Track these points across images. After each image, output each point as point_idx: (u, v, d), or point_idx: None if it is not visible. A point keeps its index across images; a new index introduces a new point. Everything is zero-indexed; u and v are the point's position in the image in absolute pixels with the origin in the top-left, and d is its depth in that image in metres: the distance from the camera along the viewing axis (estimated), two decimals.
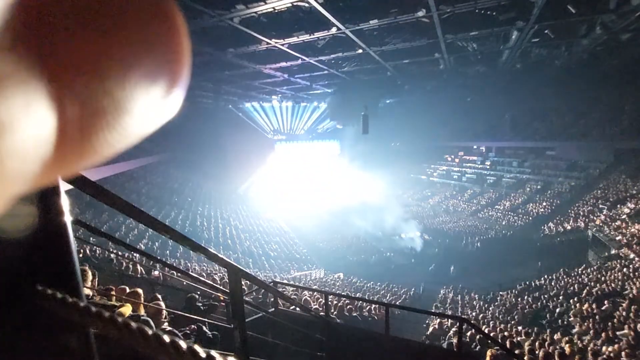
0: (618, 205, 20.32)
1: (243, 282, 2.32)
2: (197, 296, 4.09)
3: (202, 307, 4.12)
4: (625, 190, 21.59)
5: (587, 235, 19.16)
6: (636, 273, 12.45)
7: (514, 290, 14.55)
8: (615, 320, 8.68)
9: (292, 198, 38.65)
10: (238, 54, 15.53)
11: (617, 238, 16.98)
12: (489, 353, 4.70)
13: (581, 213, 21.78)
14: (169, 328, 2.70)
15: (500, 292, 14.53)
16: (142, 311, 2.73)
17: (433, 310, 12.53)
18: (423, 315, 10.38)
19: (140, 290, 3.02)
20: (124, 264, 7.36)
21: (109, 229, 13.06)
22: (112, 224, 13.78)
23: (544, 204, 25.72)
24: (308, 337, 3.41)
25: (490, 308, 12.37)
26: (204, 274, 9.16)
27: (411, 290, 15.50)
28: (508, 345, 6.46)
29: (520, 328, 9.08)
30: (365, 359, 3.65)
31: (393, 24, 12.92)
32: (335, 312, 7.08)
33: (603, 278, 12.91)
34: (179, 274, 5.58)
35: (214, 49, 14.66)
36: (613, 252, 16.13)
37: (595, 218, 20.21)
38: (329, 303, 6.60)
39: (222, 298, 4.19)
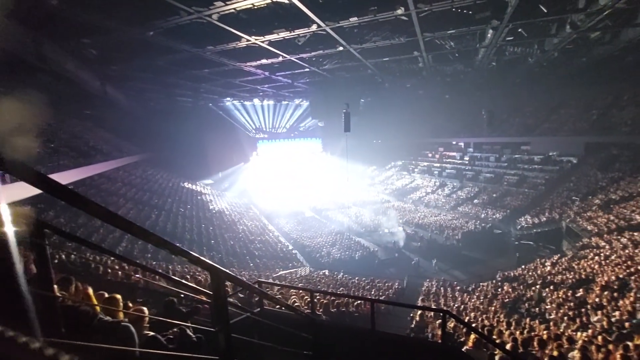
0: (589, 197, 21.33)
1: (228, 283, 2.28)
2: (175, 300, 3.98)
3: (183, 310, 4.03)
4: (595, 182, 22.68)
5: (561, 226, 20.01)
6: (607, 260, 13.12)
7: (493, 281, 15.04)
8: (588, 306, 9.12)
9: (275, 196, 38.45)
10: (217, 52, 15.26)
11: (589, 228, 17.83)
12: (472, 337, 4.84)
13: (555, 205, 22.72)
14: (151, 334, 2.62)
15: (481, 283, 14.97)
16: (121, 317, 2.63)
17: (417, 304, 12.79)
18: (408, 309, 10.57)
19: (118, 296, 2.91)
20: (102, 268, 7.11)
21: (86, 233, 12.57)
22: (89, 227, 13.27)
23: (521, 197, 26.67)
24: (294, 336, 3.39)
25: (471, 299, 12.73)
26: (188, 276, 8.96)
27: (395, 284, 15.74)
28: (488, 334, 6.67)
29: (501, 317, 9.39)
30: (351, 355, 3.67)
31: (373, 21, 13.01)
32: (321, 310, 7.10)
33: (577, 266, 13.52)
34: (160, 278, 5.44)
35: (192, 47, 14.35)
36: (585, 241, 16.93)
37: (568, 209, 21.13)
38: (315, 300, 6.61)
39: (205, 300, 4.11)
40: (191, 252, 1.67)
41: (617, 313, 7.93)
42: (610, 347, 5.40)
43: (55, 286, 2.17)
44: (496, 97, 33.85)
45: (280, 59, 17.12)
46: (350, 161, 29.98)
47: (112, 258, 8.28)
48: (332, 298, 8.07)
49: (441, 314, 4.04)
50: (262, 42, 14.07)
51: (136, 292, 5.03)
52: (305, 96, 35.44)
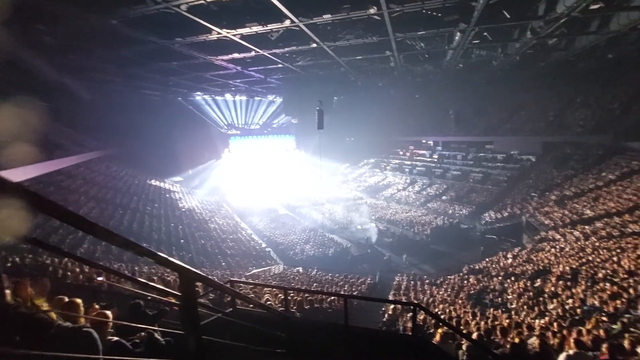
0: (546, 193, 22.81)
1: (198, 284, 2.19)
2: (142, 302, 3.82)
3: (150, 313, 3.87)
4: (552, 179, 24.29)
5: (521, 220, 21.27)
6: (562, 252, 14.12)
7: (460, 274, 15.73)
8: (545, 295, 9.77)
9: (248, 194, 37.87)
10: (187, 44, 14.71)
11: (546, 222, 19.09)
12: (439, 331, 5.03)
13: (516, 201, 24.10)
14: (115, 339, 2.49)
15: (449, 276, 15.61)
16: (82, 323, 2.48)
17: (389, 298, 13.14)
18: (380, 303, 10.82)
19: (79, 300, 2.74)
20: (61, 271, 6.67)
21: (43, 234, 11.71)
22: (46, 227, 12.38)
23: (485, 193, 28.05)
24: (268, 335, 3.36)
25: (440, 292, 13.25)
26: (155, 277, 8.61)
27: (368, 279, 16.05)
28: (456, 325, 6.98)
29: (467, 308, 9.84)
30: (325, 351, 3.69)
31: (346, 19, 13.09)
32: (295, 307, 7.10)
33: (535, 258, 14.44)
34: (126, 280, 5.19)
35: (159, 38, 13.73)
36: (543, 234, 18.11)
37: (528, 205, 22.49)
38: (288, 298, 6.59)
39: (174, 302, 3.96)
40: (158, 253, 1.60)
41: (570, 301, 8.56)
42: (565, 332, 5.82)
43: (8, 292, 2.01)
44: (463, 98, 35.27)
45: (253, 53, 16.80)
46: (324, 158, 30.12)
47: (73, 260, 7.80)
48: (306, 295, 8.09)
49: (412, 307, 4.16)
50: (234, 35, 13.73)
51: (99, 295, 4.76)
52: (279, 92, 35.09)
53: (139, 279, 2.85)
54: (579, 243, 14.83)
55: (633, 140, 21.86)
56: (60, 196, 16.45)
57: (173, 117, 34.60)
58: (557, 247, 15.13)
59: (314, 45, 15.81)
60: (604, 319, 6.83)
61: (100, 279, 5.90)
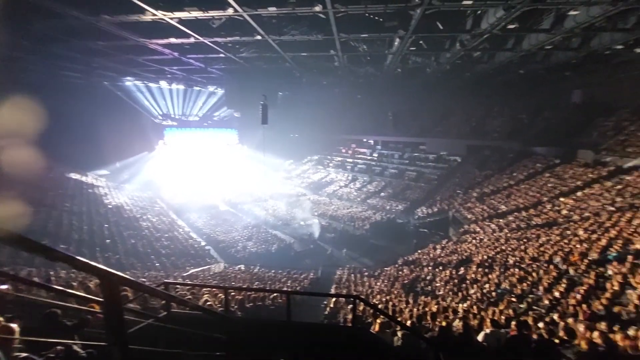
0: (469, 190, 25.41)
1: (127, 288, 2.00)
2: (59, 312, 3.38)
3: (68, 324, 3.44)
4: (474, 178, 27.14)
5: (449, 215, 23.41)
6: (481, 243, 15.89)
7: (395, 265, 16.81)
8: (467, 281, 10.92)
9: (186, 189, 35.65)
10: (116, 23, 13.25)
11: (469, 216, 21.28)
12: (378, 321, 5.32)
13: (444, 197, 26.46)
14: (23, 355, 2.16)
15: (385, 268, 16.58)
16: None
17: (331, 292, 13.50)
18: (322, 297, 11.05)
19: None
20: None
21: None
22: None
23: (418, 190, 30.29)
24: (206, 338, 3.21)
25: (378, 283, 14.01)
26: (75, 283, 7.66)
27: (311, 274, 16.28)
28: (392, 313, 7.44)
29: (401, 297, 10.56)
30: (267, 349, 3.65)
31: (292, 14, 12.99)
32: (236, 306, 6.89)
33: (459, 249, 16.03)
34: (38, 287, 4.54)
35: (82, 13, 12.14)
36: (466, 227, 20.17)
37: (454, 201, 24.83)
38: (229, 297, 6.37)
39: (97, 309, 3.57)
40: (76, 257, 1.43)
41: (487, 285, 9.69)
42: (483, 313, 6.57)
43: None
44: (400, 101, 37.50)
45: (192, 40, 15.78)
46: (268, 154, 29.68)
47: None
48: (248, 293, 7.92)
49: (352, 300, 4.32)
50: (171, 19, 12.75)
51: (3, 306, 4.08)
52: (220, 84, 33.51)
53: (55, 286, 2.51)
54: (494, 234, 16.83)
55: (537, 146, 25.47)
56: None
57: (98, 103, 30.87)
58: (477, 238, 17.00)
59: (259, 37, 15.41)
60: (513, 299, 7.87)
61: (3, 287, 5.07)
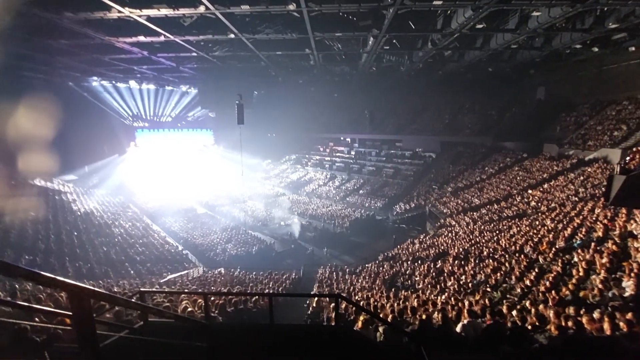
0: (444, 185, 26.18)
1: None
2: (28, 327, 3.18)
3: (37, 340, 3.24)
4: (448, 173, 27.97)
5: (425, 210, 24.02)
6: (456, 236, 16.42)
7: (376, 262, 17.06)
8: (445, 274, 11.25)
9: (160, 193, 34.51)
10: (80, 21, 12.62)
11: (444, 210, 21.93)
12: (360, 318, 5.37)
13: (421, 193, 27.11)
14: None
15: (366, 265, 16.80)
16: None
17: (313, 291, 13.51)
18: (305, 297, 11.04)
19: None
20: None
21: None
22: None
23: (396, 187, 30.86)
24: (186, 347, 3.11)
25: (359, 280, 14.17)
26: (42, 295, 7.23)
27: (292, 274, 16.22)
28: (374, 309, 7.55)
29: (382, 292, 10.72)
30: (250, 354, 3.59)
31: (265, 13, 12.88)
32: (217, 311, 6.75)
33: (436, 243, 16.49)
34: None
35: (43, 10, 11.45)
36: (442, 221, 20.77)
37: (430, 196, 25.51)
38: (209, 303, 6.23)
39: (68, 322, 3.39)
40: (41, 273, 1.36)
41: (463, 277, 10.02)
42: (460, 304, 6.79)
43: None
44: (376, 99, 38.03)
45: (162, 38, 15.28)
46: (245, 155, 29.24)
47: None
48: (229, 297, 7.77)
49: (334, 298, 4.34)
50: (139, 16, 12.29)
51: None
52: (193, 83, 32.69)
53: (20, 302, 2.36)
54: (469, 227, 17.44)
55: (507, 141, 26.61)
56: None
57: (62, 105, 29.21)
58: (453, 231, 17.55)
59: (232, 36, 15.15)
60: (488, 289, 8.18)
61: None
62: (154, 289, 9.42)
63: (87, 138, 30.47)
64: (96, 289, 1.89)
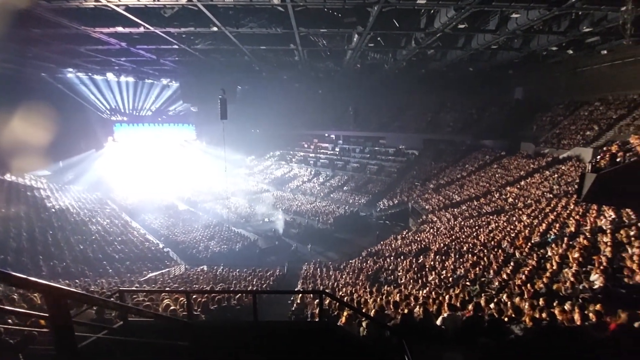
0: (426, 182, 26.68)
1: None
2: (1, 329, 3.05)
3: (11, 342, 3.12)
4: (430, 170, 28.51)
5: (408, 206, 24.42)
6: (438, 231, 16.80)
7: (360, 257, 17.24)
8: (426, 269, 11.51)
9: (140, 189, 33.58)
10: (54, 9, 12.04)
11: (426, 207, 22.37)
12: (344, 314, 5.44)
13: (404, 189, 27.54)
14: None
15: (350, 261, 16.95)
16: None
17: (297, 287, 13.54)
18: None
19: None
20: None
21: None
22: None
23: (380, 183, 31.22)
24: (168, 347, 3.06)
25: (343, 276, 14.30)
26: (15, 295, 6.93)
27: (277, 271, 16.19)
28: (357, 305, 7.65)
29: (366, 287, 10.87)
30: (234, 353, 3.56)
31: (250, 6, 12.69)
32: (199, 309, 6.67)
33: (419, 238, 16.83)
34: None
35: None
36: (424, 218, 21.19)
37: (413, 193, 25.95)
38: (192, 301, 6.14)
39: (44, 324, 3.27)
40: (12, 274, 1.31)
41: (444, 272, 10.29)
42: (441, 298, 6.97)
43: None
44: (360, 96, 38.22)
45: (142, 29, 14.79)
46: (228, 150, 28.82)
47: None
48: (213, 294, 7.69)
49: (318, 295, 4.37)
50: (117, 5, 11.85)
51: None
52: (175, 76, 31.87)
53: None
54: (450, 223, 17.88)
55: (486, 139, 27.34)
56: None
57: (35, 97, 27.89)
58: (435, 227, 17.95)
59: (215, 29, 14.83)
60: (468, 283, 8.43)
61: None
62: (134, 288, 9.20)
63: (62, 132, 29.20)
64: (72, 289, 1.84)
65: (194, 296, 7.39)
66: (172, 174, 39.46)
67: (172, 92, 36.97)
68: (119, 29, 14.67)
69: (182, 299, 6.79)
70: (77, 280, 11.74)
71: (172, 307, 5.79)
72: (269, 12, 13.65)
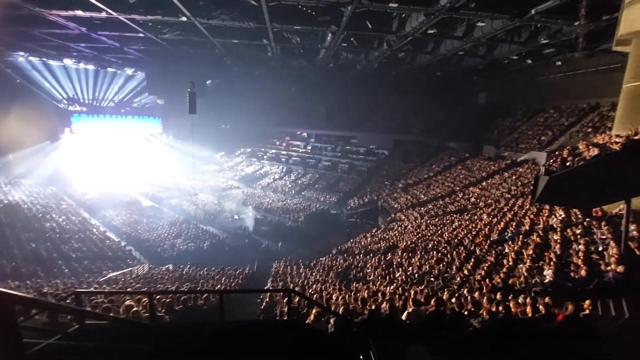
0: (395, 182, 27.42)
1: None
2: None
3: None
4: (399, 170, 29.33)
5: (378, 205, 24.97)
6: (405, 229, 17.33)
7: (330, 255, 17.41)
8: (394, 266, 11.84)
9: (101, 184, 31.67)
10: None
11: (395, 205, 22.99)
12: (313, 311, 5.48)
13: (374, 188, 28.13)
14: None
15: (321, 258, 17.06)
16: None
17: (267, 285, 13.44)
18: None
19: None
20: None
21: None
22: None
23: (350, 182, 31.66)
24: (128, 350, 2.92)
25: (313, 273, 14.37)
26: None
27: (246, 269, 15.93)
28: (326, 302, 7.74)
29: (335, 285, 11.00)
30: (198, 354, 3.48)
31: None
32: (163, 310, 6.43)
33: (387, 236, 17.27)
34: None
35: None
36: (392, 216, 21.76)
37: (382, 192, 26.57)
38: (155, 302, 5.90)
39: None
40: None
41: (410, 268, 10.64)
42: (407, 294, 7.22)
43: None
44: (333, 96, 38.44)
45: (104, 15, 13.94)
46: (197, 146, 27.91)
47: None
48: (178, 294, 7.45)
49: (287, 294, 4.38)
50: None
51: None
52: (140, 66, 30.33)
53: None
54: (417, 221, 18.50)
55: (452, 141, 28.56)
56: None
57: None
58: (402, 225, 18.51)
59: (184, 18, 14.32)
60: (432, 279, 8.79)
61: None
62: (92, 289, 8.70)
63: (12, 122, 26.91)
64: (23, 290, 1.71)
65: (158, 297, 7.13)
66: (136, 169, 37.60)
67: (137, 83, 35.17)
68: (79, 12, 13.74)
69: (145, 299, 6.52)
70: (28, 282, 10.91)
71: (134, 309, 5.53)
72: (242, 5, 13.39)
